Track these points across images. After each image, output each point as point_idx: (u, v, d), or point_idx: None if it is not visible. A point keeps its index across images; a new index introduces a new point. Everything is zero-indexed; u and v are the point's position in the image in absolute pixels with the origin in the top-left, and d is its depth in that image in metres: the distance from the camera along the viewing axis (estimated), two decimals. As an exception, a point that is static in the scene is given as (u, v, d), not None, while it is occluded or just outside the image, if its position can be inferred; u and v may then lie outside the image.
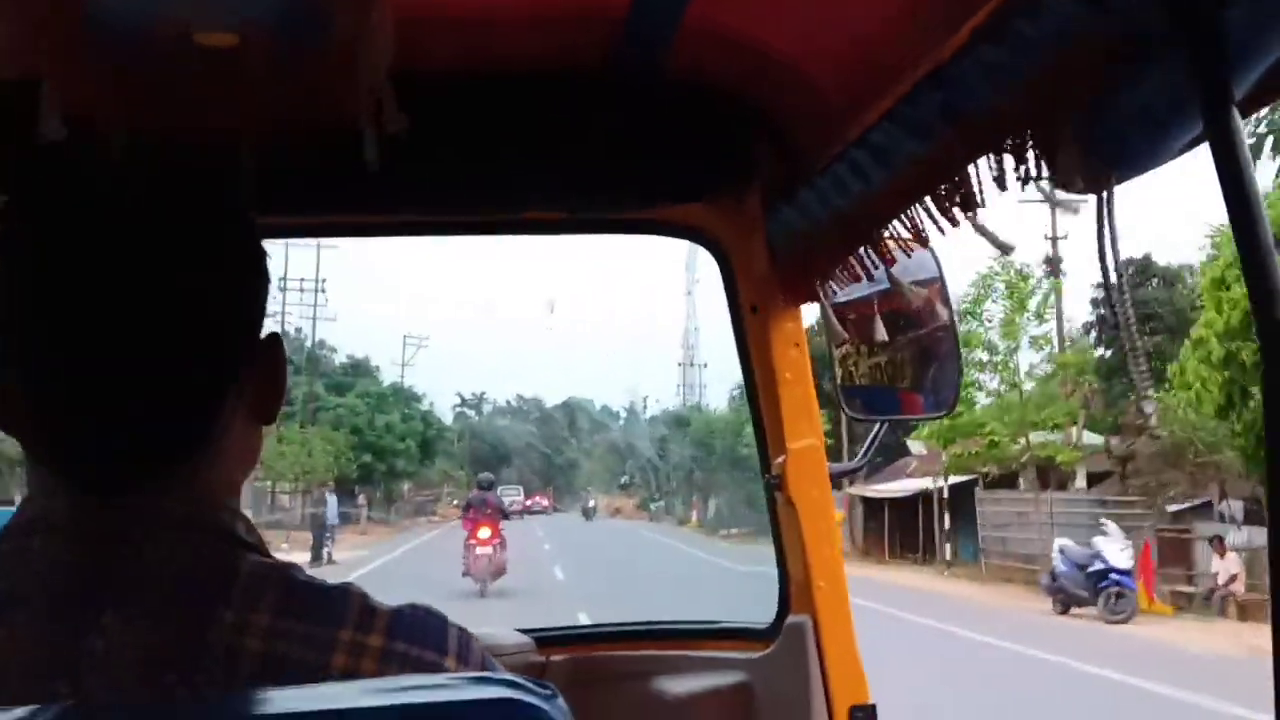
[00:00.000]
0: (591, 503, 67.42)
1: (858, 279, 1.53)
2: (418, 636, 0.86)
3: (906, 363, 1.83)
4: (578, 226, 1.85)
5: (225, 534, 0.88)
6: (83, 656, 0.80)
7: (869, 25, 1.27)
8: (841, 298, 1.68)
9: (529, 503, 74.32)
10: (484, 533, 21.13)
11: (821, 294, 1.62)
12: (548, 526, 53.67)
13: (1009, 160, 1.08)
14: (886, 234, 1.36)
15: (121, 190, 0.93)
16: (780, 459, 1.72)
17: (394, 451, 54.15)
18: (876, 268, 1.48)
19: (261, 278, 0.96)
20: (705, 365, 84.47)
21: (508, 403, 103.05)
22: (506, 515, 23.38)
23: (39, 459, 0.88)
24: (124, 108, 1.29)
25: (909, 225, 1.31)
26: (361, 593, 0.88)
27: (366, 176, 1.36)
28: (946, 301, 1.75)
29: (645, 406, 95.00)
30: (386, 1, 1.16)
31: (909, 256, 1.43)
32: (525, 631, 1.97)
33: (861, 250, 1.44)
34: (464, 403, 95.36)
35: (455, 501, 60.37)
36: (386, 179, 1.38)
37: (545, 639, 2.00)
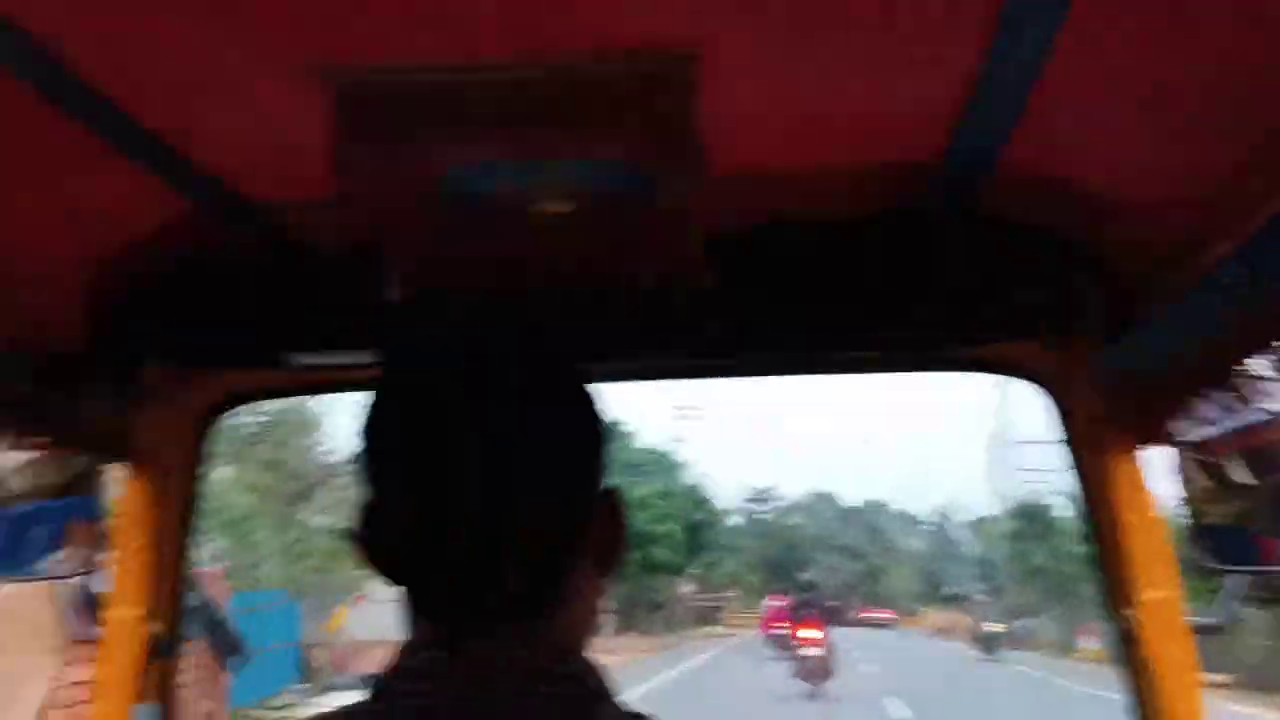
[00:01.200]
0: (996, 627, 38.81)
1: (1206, 419, 1.41)
2: None
3: (1269, 504, 1.66)
4: (891, 364, 1.81)
5: (578, 683, 0.91)
6: None
7: (1205, 167, 1.19)
8: (1193, 436, 1.55)
9: (865, 614, 63.60)
10: (811, 633, 21.00)
11: (1165, 436, 1.50)
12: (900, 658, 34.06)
13: None
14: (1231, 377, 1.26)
15: (473, 350, 0.96)
16: (1129, 611, 1.59)
17: (651, 537, 40.65)
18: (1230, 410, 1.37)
19: (600, 432, 0.97)
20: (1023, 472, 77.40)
21: (801, 499, 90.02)
22: (829, 619, 23.20)
23: (415, 609, 0.94)
24: (463, 272, 1.41)
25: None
26: None
27: (684, 326, 1.42)
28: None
29: (952, 514, 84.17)
30: (707, 168, 1.20)
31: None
32: None
33: (1206, 389, 1.33)
34: (754, 497, 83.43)
35: (744, 608, 55.46)
36: (702, 327, 1.44)
37: None
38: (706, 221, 1.33)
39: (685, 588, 52.97)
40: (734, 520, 78.16)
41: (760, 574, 71.45)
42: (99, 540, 1.77)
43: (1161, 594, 1.57)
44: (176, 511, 1.75)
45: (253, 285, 1.52)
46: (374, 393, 0.96)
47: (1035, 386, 1.72)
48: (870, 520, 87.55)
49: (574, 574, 0.94)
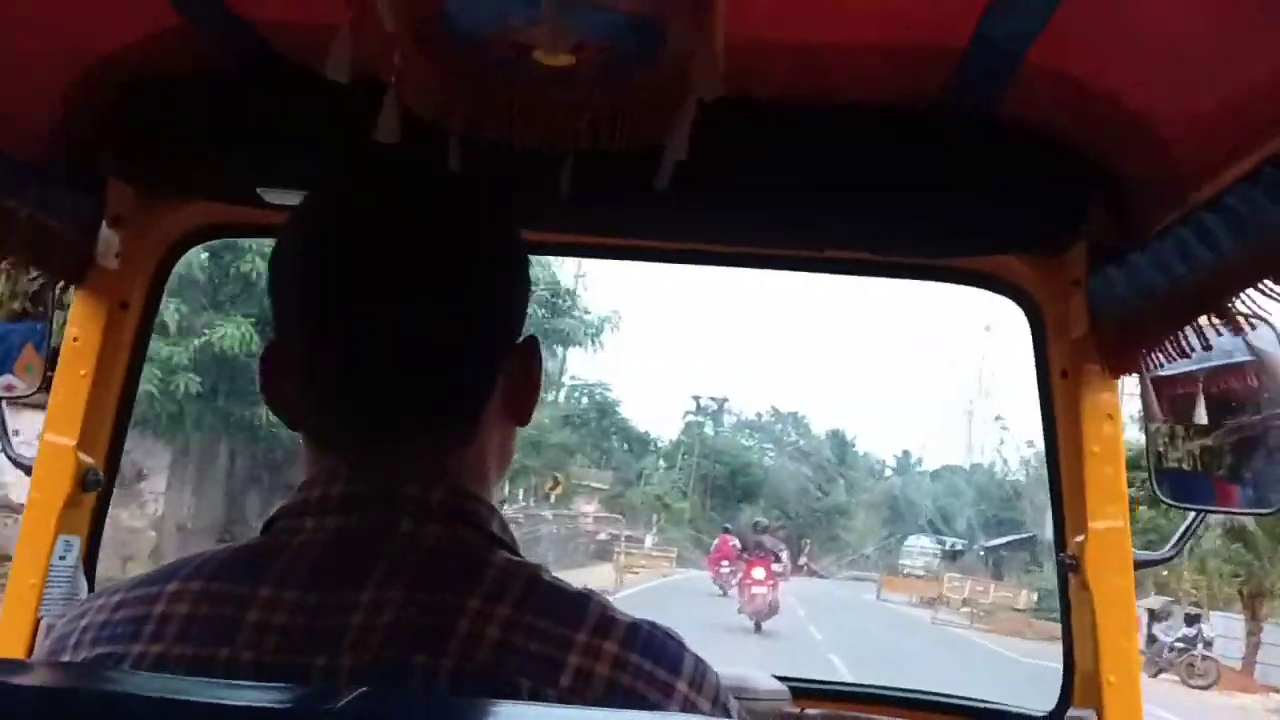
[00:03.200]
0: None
1: (1186, 354, 1.40)
2: (654, 652, 0.86)
3: (1229, 450, 1.67)
4: (878, 269, 1.78)
5: (480, 526, 0.91)
6: (343, 631, 0.83)
7: (1236, 88, 1.16)
8: (1164, 372, 1.55)
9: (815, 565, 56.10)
10: (759, 573, 22.98)
11: (1143, 366, 1.50)
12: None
13: None
14: (1232, 308, 1.24)
15: (425, 192, 0.98)
16: (1079, 538, 1.60)
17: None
18: (1209, 346, 1.36)
19: (525, 286, 1.00)
20: (1000, 420, 71.86)
21: (758, 416, 77.04)
22: (779, 559, 24.78)
23: (319, 440, 0.95)
24: (458, 116, 1.35)
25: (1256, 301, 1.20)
26: (604, 601, 0.89)
27: (671, 200, 1.37)
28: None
29: (920, 460, 77.58)
30: (719, 26, 1.16)
31: (1252, 329, 1.31)
32: (781, 679, 1.90)
33: (1199, 322, 1.32)
34: (700, 409, 69.30)
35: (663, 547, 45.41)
36: (687, 203, 1.39)
37: (802, 690, 1.93)
38: (708, 89, 1.28)
39: (585, 506, 42.48)
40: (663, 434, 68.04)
41: (696, 500, 60.88)
42: (44, 365, 1.72)
43: (1111, 524, 1.58)
44: (127, 343, 1.70)
45: (235, 112, 1.45)
46: (298, 222, 0.97)
47: (1024, 306, 1.71)
48: (841, 454, 75.82)
49: (482, 415, 0.95)
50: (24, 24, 1.28)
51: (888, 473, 79.07)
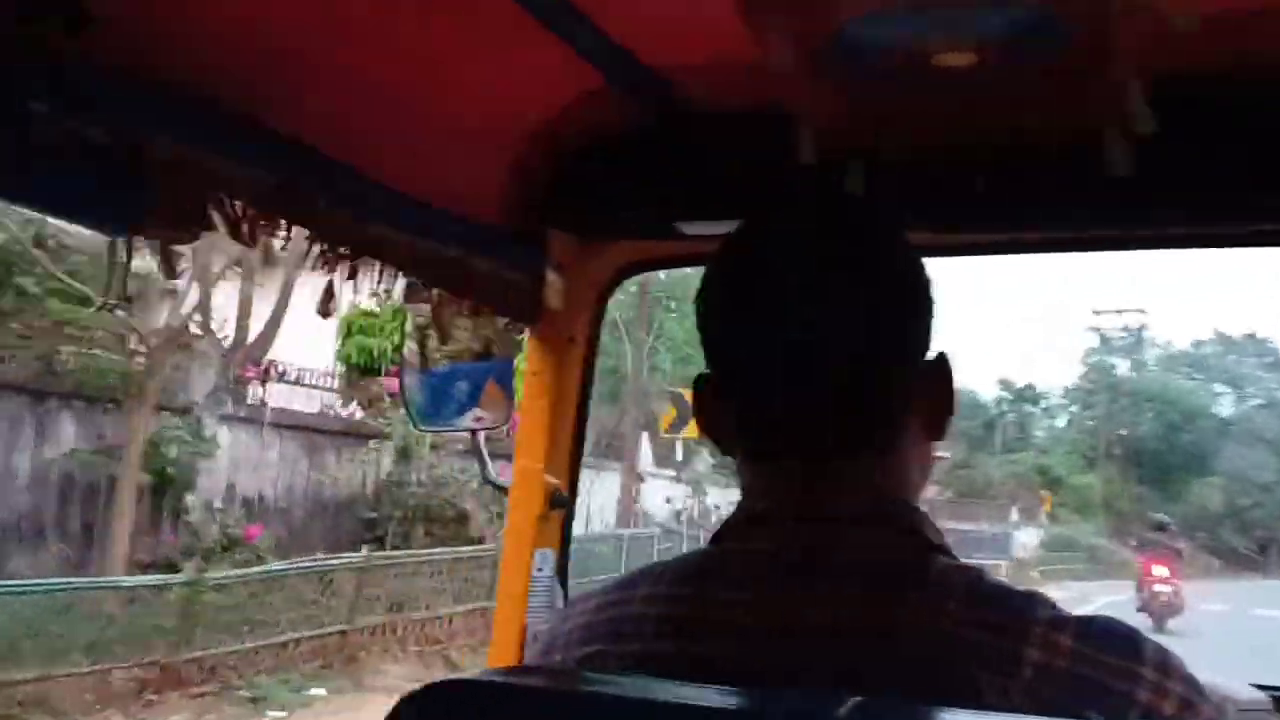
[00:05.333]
0: None
1: None
2: (1111, 642, 0.86)
3: None
4: None
5: (915, 531, 0.96)
6: (797, 632, 0.89)
7: None
8: None
9: None
10: (1161, 570, 21.62)
11: None
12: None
13: None
14: None
15: (835, 215, 1.05)
16: None
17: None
18: None
19: (931, 304, 1.03)
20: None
21: (1195, 346, 55.15)
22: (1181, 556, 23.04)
23: (758, 459, 1.02)
24: (862, 133, 1.39)
25: None
26: (1050, 600, 0.91)
27: (1107, 187, 1.31)
28: None
29: None
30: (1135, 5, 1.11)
31: None
32: (1262, 688, 1.72)
33: None
34: (1105, 341, 53.51)
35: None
36: (1123, 189, 1.32)
37: None
38: (1143, 68, 1.21)
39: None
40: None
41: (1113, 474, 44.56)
42: (510, 400, 1.93)
43: None
44: (576, 374, 1.87)
45: (652, 155, 1.58)
46: (725, 246, 1.04)
47: None
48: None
49: (902, 427, 1.00)
50: (471, 102, 1.46)
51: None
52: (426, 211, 1.48)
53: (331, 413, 16.42)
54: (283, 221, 1.24)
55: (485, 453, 1.98)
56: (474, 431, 1.97)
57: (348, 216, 1.33)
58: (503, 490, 1.89)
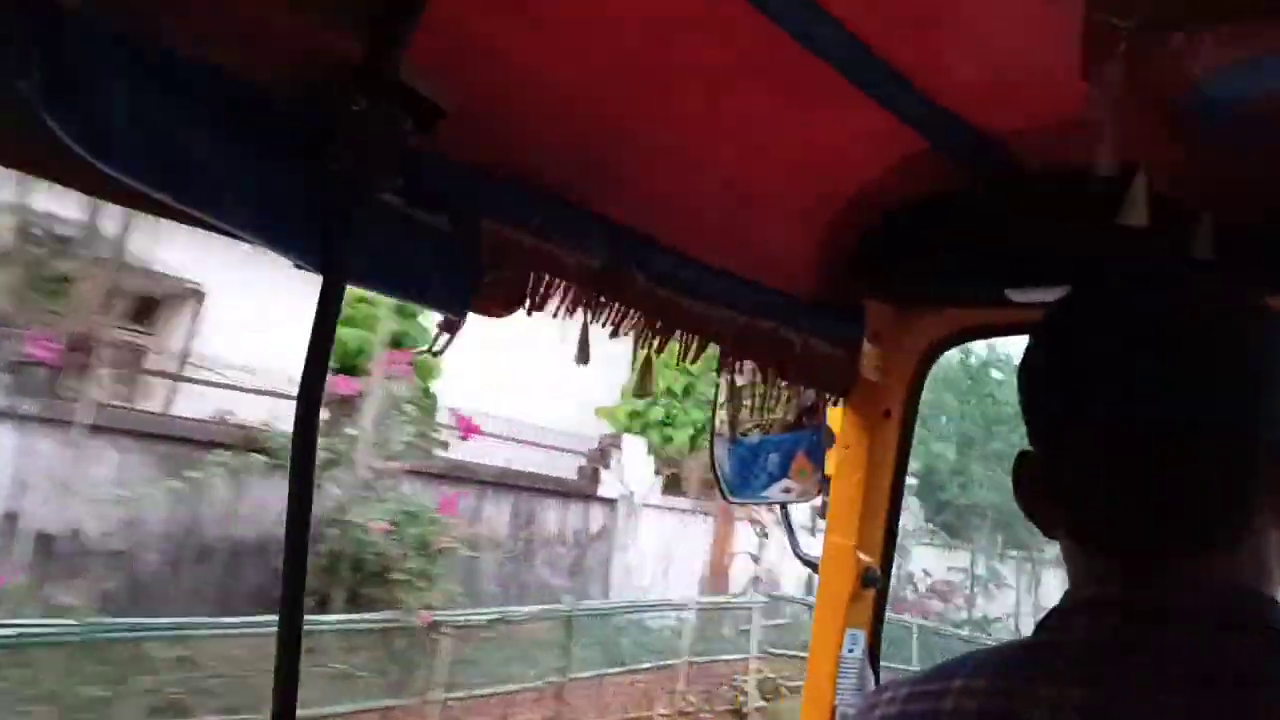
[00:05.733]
0: None
1: None
2: None
3: None
4: None
5: (1264, 624, 0.88)
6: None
7: None
8: None
9: None
10: None
11: None
12: None
13: None
14: None
15: (1180, 284, 0.95)
16: None
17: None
18: None
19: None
20: None
21: None
22: None
23: (1084, 545, 0.94)
24: (1209, 194, 1.28)
25: None
26: None
27: None
28: None
29: None
30: None
31: None
32: None
33: None
34: None
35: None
36: None
37: None
38: None
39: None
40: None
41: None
42: (819, 472, 1.89)
43: None
44: (892, 447, 1.81)
45: (980, 221, 1.51)
46: (1059, 321, 0.97)
47: None
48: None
49: (1252, 516, 0.90)
50: (788, 172, 1.45)
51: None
52: (742, 284, 1.48)
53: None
54: (603, 299, 1.27)
55: (792, 524, 1.94)
56: (783, 505, 1.94)
57: (667, 293, 1.34)
58: (813, 567, 1.85)
